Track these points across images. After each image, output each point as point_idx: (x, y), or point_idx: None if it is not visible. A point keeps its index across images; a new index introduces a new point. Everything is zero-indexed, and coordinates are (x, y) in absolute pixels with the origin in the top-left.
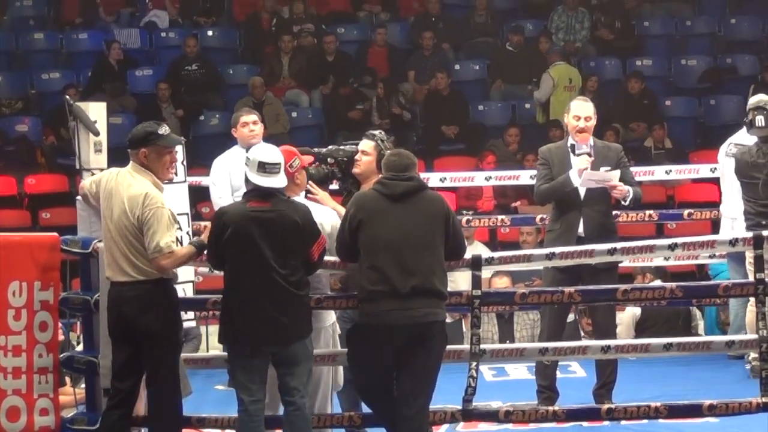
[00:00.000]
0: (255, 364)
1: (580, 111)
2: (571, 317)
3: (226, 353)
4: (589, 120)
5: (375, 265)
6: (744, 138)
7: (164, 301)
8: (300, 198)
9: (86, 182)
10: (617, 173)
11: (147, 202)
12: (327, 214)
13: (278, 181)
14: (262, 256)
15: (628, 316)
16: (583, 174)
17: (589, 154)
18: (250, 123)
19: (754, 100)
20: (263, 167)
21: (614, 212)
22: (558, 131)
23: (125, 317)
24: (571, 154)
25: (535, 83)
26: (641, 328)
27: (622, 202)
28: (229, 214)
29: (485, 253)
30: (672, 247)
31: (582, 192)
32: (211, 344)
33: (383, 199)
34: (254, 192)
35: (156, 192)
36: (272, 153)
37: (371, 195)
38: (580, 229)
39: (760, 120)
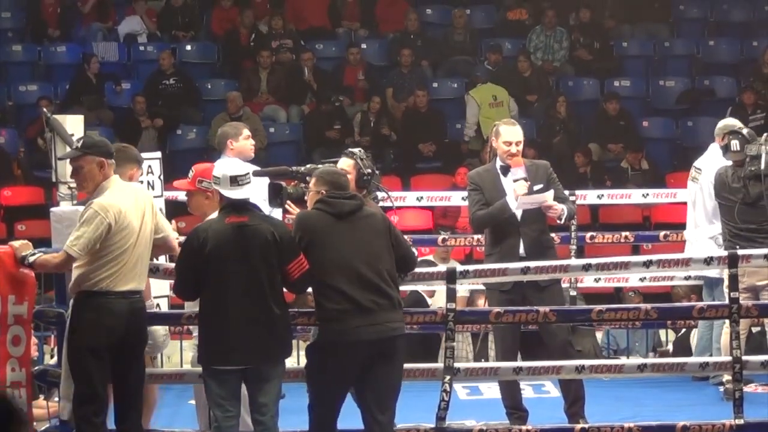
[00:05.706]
0: (230, 379)
1: (511, 136)
2: None
3: (198, 368)
4: (520, 144)
5: (331, 284)
6: (706, 162)
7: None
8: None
9: (80, 243)
10: (551, 193)
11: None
12: None
13: (247, 191)
14: (247, 272)
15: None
16: (518, 199)
17: (525, 179)
18: (251, 135)
19: (722, 124)
20: (235, 180)
21: (591, 234)
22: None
23: (131, 329)
24: (502, 177)
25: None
26: None
27: (558, 221)
28: (207, 230)
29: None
30: (647, 265)
31: (519, 213)
32: (185, 359)
33: (329, 218)
34: (229, 207)
35: None
36: (238, 165)
37: (316, 215)
38: (521, 250)
39: (735, 144)
